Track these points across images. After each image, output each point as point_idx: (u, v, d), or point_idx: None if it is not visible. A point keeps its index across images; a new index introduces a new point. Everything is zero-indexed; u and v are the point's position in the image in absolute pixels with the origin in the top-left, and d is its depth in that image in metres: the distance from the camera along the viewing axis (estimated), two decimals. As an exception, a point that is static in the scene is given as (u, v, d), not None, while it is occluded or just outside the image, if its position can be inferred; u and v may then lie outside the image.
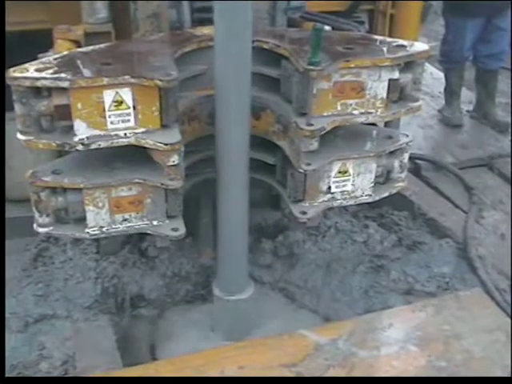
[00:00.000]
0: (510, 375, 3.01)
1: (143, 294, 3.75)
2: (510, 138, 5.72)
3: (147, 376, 2.95)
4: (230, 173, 3.03)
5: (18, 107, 2.59)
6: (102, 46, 2.97)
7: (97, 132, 2.66)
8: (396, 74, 2.95)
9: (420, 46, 3.06)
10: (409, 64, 3.01)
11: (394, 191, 3.30)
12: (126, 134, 2.70)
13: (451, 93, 6.03)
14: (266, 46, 3.05)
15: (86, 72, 2.61)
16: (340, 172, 3.09)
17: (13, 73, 2.54)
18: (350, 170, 3.10)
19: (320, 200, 3.14)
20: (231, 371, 2.99)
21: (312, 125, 2.87)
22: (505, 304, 3.62)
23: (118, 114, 2.65)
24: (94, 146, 2.68)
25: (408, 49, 3.01)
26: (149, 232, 2.96)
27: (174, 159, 2.73)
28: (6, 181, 4.04)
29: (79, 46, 3.20)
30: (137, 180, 2.80)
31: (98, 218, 2.84)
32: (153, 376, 2.95)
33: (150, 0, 3.26)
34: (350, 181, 3.13)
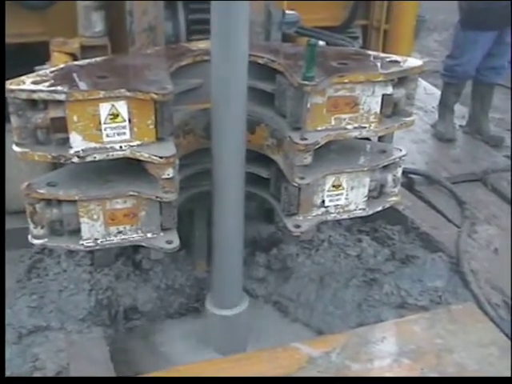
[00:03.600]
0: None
1: (137, 306, 3.76)
2: (503, 153, 5.75)
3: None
4: (225, 186, 3.04)
5: (14, 119, 2.60)
6: (98, 59, 2.99)
7: (92, 145, 2.67)
8: (389, 89, 2.98)
9: (413, 62, 3.08)
10: (402, 79, 3.03)
11: (388, 205, 3.32)
12: (121, 146, 2.72)
13: (445, 108, 6.06)
14: (260, 61, 3.07)
15: (82, 85, 2.63)
16: (334, 186, 3.11)
17: (9, 85, 2.55)
18: (344, 184, 3.12)
19: (314, 214, 3.15)
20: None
21: (306, 139, 2.89)
22: (498, 318, 3.63)
23: (113, 126, 2.67)
24: (89, 159, 2.69)
25: (401, 64, 3.03)
26: (143, 244, 2.97)
27: (169, 172, 2.74)
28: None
29: (75, 59, 3.22)
30: (131, 193, 2.81)
31: (93, 230, 2.85)
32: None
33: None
34: (344, 195, 3.14)
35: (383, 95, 2.98)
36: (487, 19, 5.50)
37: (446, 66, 6.00)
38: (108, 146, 2.70)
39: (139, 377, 3.09)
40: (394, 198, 3.32)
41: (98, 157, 2.70)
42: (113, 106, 2.64)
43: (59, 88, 2.57)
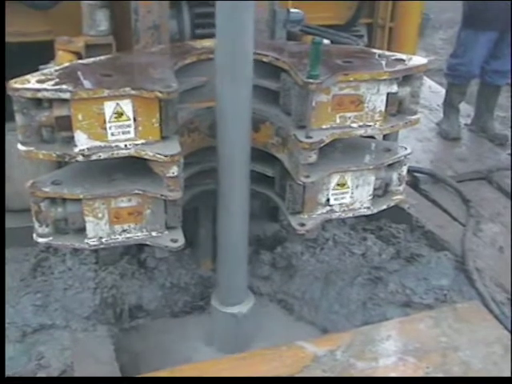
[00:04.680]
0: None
1: (142, 304, 3.76)
2: (507, 151, 5.74)
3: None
4: (230, 185, 3.04)
5: (18, 118, 2.60)
6: (102, 57, 2.99)
7: (97, 143, 2.68)
8: (394, 88, 2.97)
9: (418, 60, 3.07)
10: (407, 77, 3.02)
11: (393, 204, 3.31)
12: (126, 145, 2.72)
13: (450, 107, 6.05)
14: (265, 59, 3.07)
15: (87, 84, 2.63)
16: (339, 184, 3.10)
17: (14, 84, 2.55)
18: (349, 183, 3.11)
19: (318, 212, 3.15)
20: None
21: (311, 137, 2.88)
22: (502, 316, 3.62)
23: (118, 125, 2.67)
24: (94, 157, 2.69)
25: (406, 62, 3.03)
26: (148, 243, 2.97)
27: (174, 171, 2.74)
28: (6, 191, 4.04)
29: (80, 58, 3.22)
30: (136, 191, 2.81)
31: (98, 229, 2.85)
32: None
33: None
34: (349, 193, 3.14)
35: (388, 93, 2.97)
36: (486, 19, 5.50)
37: (450, 66, 5.98)
38: (113, 144, 2.70)
39: (143, 377, 3.08)
40: (399, 197, 3.31)
41: (103, 155, 2.70)
42: (117, 104, 2.63)
43: (64, 87, 2.57)
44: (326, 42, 3.41)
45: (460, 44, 5.82)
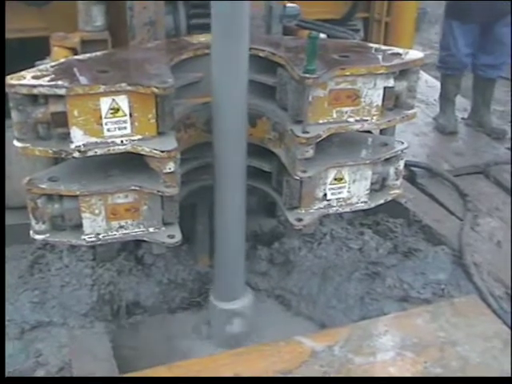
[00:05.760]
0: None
1: (139, 301, 3.76)
2: (506, 145, 5.73)
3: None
4: (227, 180, 3.04)
5: (14, 114, 2.59)
6: (98, 53, 2.98)
7: (93, 139, 2.67)
8: (391, 82, 2.97)
9: (415, 54, 3.07)
10: (404, 72, 3.02)
11: (390, 198, 3.31)
12: (122, 141, 2.71)
13: (446, 100, 6.05)
14: (261, 54, 3.07)
15: (83, 79, 2.62)
16: (336, 179, 3.10)
17: (10, 80, 2.55)
18: (346, 177, 3.11)
19: (316, 207, 3.15)
20: (227, 378, 3.00)
21: (308, 132, 2.88)
22: (500, 311, 3.62)
23: (114, 121, 2.66)
24: (90, 154, 2.68)
25: (403, 57, 3.02)
26: (145, 239, 2.96)
27: (170, 166, 2.73)
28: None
29: (76, 54, 3.21)
30: (133, 187, 2.80)
31: (95, 225, 2.84)
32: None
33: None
34: (346, 188, 3.14)
35: (385, 88, 2.97)
36: (465, 12, 5.56)
37: (441, 58, 6.04)
38: (109, 140, 2.70)
39: (139, 376, 3.06)
40: (396, 191, 3.31)
41: (99, 151, 2.70)
42: (113, 100, 2.63)
43: (60, 83, 2.57)
44: (322, 36, 3.41)
45: (445, 35, 5.86)
